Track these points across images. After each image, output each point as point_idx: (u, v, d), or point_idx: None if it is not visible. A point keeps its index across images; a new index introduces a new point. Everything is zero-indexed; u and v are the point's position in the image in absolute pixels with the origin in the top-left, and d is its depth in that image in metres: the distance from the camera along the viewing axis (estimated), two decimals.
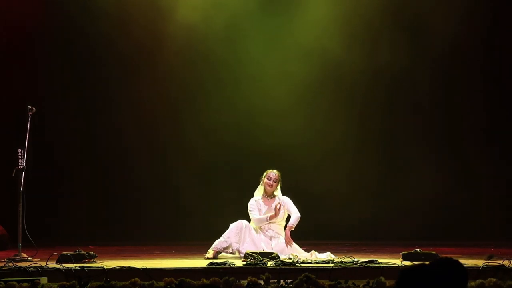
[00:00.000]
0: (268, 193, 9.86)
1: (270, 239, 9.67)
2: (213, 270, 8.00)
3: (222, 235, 9.69)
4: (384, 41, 13.75)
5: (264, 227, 9.76)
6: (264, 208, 9.79)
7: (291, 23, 13.92)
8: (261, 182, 9.92)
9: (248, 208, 9.85)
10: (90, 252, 8.93)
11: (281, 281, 7.47)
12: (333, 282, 7.32)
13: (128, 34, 13.84)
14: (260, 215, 9.74)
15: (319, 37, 13.78)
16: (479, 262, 8.19)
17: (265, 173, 9.93)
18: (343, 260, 8.62)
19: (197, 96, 14.14)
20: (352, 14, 13.80)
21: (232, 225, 9.71)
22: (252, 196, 9.97)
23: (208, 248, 9.77)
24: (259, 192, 9.95)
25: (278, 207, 9.64)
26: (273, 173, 9.85)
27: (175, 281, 7.40)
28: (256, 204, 9.84)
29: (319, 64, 13.83)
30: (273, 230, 9.75)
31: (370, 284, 7.34)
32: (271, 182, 9.82)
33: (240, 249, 9.46)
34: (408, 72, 13.77)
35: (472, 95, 13.81)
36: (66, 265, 8.23)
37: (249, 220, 9.85)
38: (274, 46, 13.99)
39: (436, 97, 13.95)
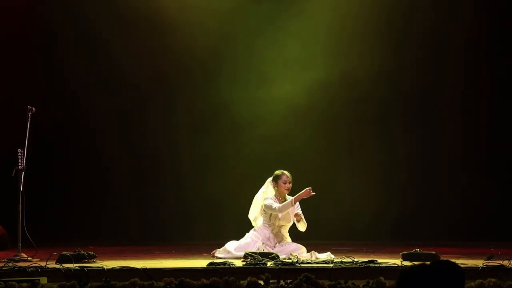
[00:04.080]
0: (282, 195, 9.75)
1: (278, 243, 9.63)
2: (213, 270, 8.00)
3: (233, 248, 9.65)
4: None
5: (275, 228, 9.70)
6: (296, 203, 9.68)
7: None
8: (272, 185, 9.73)
9: (267, 204, 9.58)
10: (89, 252, 8.93)
11: (281, 281, 7.46)
12: (333, 282, 7.32)
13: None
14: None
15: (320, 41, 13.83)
16: (479, 262, 8.19)
17: (275, 176, 9.72)
18: (343, 260, 8.61)
19: (195, 90, 14.18)
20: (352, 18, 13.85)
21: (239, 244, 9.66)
22: (251, 198, 9.94)
23: (208, 249, 9.80)
24: (268, 193, 9.78)
25: (310, 190, 9.45)
26: (286, 175, 9.67)
27: (175, 281, 7.39)
28: (276, 199, 9.69)
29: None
30: (282, 233, 9.72)
31: (370, 284, 7.34)
32: (288, 185, 9.69)
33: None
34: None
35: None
36: (65, 265, 8.22)
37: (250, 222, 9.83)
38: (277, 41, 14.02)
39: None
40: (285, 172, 9.73)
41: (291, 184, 9.71)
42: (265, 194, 9.78)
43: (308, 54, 13.85)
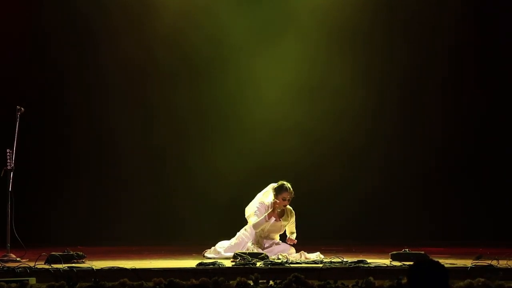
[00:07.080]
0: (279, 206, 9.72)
1: (270, 245, 9.63)
2: (202, 270, 8.01)
3: (223, 249, 9.66)
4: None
5: (264, 233, 9.66)
6: (271, 219, 9.69)
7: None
8: (272, 192, 9.64)
9: (253, 211, 9.63)
10: (79, 253, 8.91)
11: (270, 281, 7.45)
12: (322, 282, 7.32)
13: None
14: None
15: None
16: (468, 262, 8.22)
17: (278, 187, 9.59)
18: (332, 260, 8.64)
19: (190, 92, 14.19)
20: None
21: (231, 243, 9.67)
22: (247, 198, 9.93)
23: (199, 249, 9.78)
24: (266, 198, 9.72)
25: (277, 204, 9.49)
26: (288, 193, 9.55)
27: (164, 282, 7.38)
28: (265, 209, 9.64)
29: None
30: (271, 237, 9.70)
31: (359, 284, 7.34)
32: (286, 202, 9.61)
33: None
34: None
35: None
36: (55, 266, 8.22)
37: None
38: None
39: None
40: (290, 189, 9.58)
41: (289, 202, 9.64)
42: (265, 196, 9.73)
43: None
